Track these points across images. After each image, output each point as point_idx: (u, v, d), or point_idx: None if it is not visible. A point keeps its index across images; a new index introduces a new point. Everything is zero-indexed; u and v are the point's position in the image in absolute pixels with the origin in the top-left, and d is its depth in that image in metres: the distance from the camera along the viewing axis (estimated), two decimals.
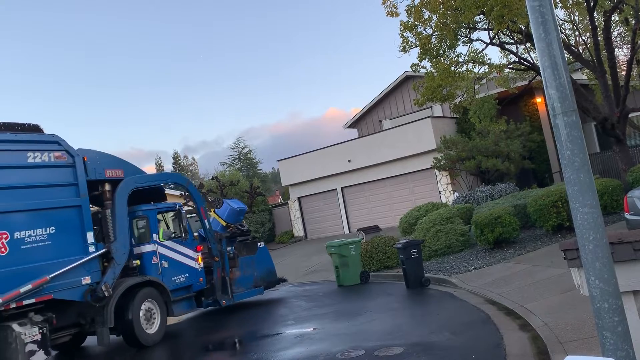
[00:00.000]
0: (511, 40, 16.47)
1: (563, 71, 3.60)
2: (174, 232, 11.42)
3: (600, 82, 15.13)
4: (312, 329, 9.23)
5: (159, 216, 11.40)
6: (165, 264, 10.85)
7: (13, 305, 8.21)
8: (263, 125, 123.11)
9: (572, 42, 17.96)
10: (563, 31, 17.99)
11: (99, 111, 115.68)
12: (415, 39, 14.86)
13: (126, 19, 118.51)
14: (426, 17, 14.47)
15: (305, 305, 11.97)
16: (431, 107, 26.22)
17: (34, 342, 8.30)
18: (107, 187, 10.25)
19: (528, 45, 16.30)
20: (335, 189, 27.23)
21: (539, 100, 23.93)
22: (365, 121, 31.24)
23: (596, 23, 14.89)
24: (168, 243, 11.07)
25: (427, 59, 15.07)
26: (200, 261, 11.60)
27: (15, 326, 8.22)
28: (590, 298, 3.57)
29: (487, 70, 15.60)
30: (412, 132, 23.80)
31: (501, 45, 16.26)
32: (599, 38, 14.81)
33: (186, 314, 11.96)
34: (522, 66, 16.28)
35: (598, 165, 20.22)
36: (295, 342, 8.55)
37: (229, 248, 12.34)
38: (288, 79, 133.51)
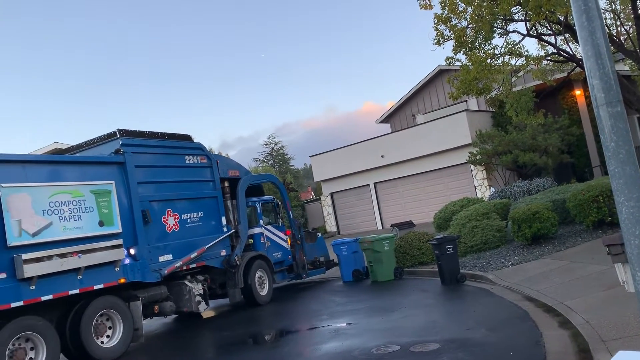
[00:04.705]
0: (549, 32, 16.02)
1: (607, 60, 3.47)
2: (272, 219, 14.14)
3: None
4: (346, 324, 9.23)
5: (263, 206, 14.02)
6: (269, 243, 13.65)
7: (184, 268, 10.78)
8: (297, 121, 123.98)
9: (614, 32, 17.35)
10: (604, 21, 17.37)
11: (142, 105, 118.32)
12: (449, 32, 14.61)
13: (170, 16, 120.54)
14: (461, 9, 14.21)
15: (339, 301, 11.98)
16: (466, 101, 25.82)
17: (199, 294, 10.93)
18: (226, 183, 12.81)
19: (567, 35, 15.81)
20: (368, 185, 27.12)
21: (578, 92, 23.28)
22: (398, 116, 30.99)
23: (639, 12, 14.36)
24: (269, 227, 13.84)
25: (462, 52, 14.79)
26: (289, 242, 14.37)
27: (187, 282, 10.92)
28: (637, 294, 3.46)
29: (524, 62, 15.22)
30: (446, 127, 23.49)
31: (539, 37, 15.83)
32: None
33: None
34: (561, 57, 15.83)
35: None
36: (330, 336, 8.56)
37: (299, 235, 14.83)
38: (324, 74, 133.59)
